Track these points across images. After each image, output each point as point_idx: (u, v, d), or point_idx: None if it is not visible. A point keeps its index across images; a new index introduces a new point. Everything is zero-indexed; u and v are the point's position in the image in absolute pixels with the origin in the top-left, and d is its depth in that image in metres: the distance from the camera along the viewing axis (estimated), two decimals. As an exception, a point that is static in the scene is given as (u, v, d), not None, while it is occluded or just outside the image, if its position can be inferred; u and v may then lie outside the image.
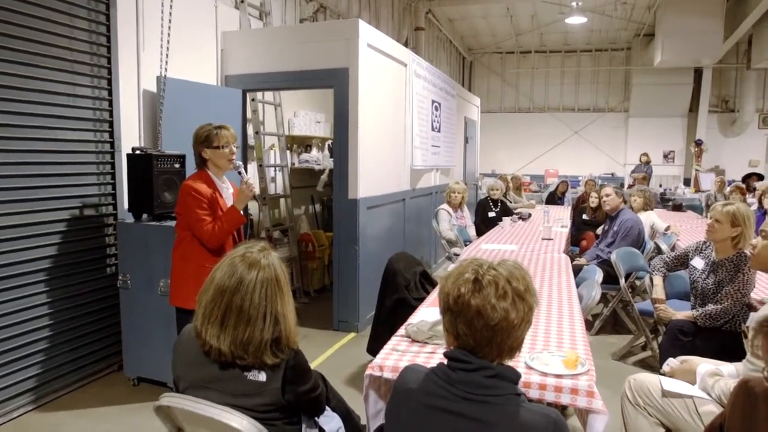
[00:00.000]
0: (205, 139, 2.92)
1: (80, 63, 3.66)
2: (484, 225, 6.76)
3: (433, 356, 2.23)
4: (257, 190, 3.22)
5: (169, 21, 3.92)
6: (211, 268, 1.72)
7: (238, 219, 2.96)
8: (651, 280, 3.84)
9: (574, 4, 11.01)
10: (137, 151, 3.64)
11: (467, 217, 6.60)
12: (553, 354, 2.19)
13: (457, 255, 5.60)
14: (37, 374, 3.46)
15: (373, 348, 3.95)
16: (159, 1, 3.94)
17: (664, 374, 2.53)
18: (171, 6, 3.93)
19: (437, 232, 6.33)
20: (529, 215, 7.05)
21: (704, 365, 2.40)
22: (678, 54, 12.06)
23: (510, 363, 1.48)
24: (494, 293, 1.40)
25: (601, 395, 1.96)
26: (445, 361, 1.48)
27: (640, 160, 12.74)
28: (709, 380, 2.29)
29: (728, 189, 8.53)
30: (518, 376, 1.46)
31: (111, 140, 3.91)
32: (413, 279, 3.83)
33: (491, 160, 15.58)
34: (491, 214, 7.02)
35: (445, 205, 6.38)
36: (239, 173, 3.10)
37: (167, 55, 3.93)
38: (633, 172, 12.44)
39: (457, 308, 1.42)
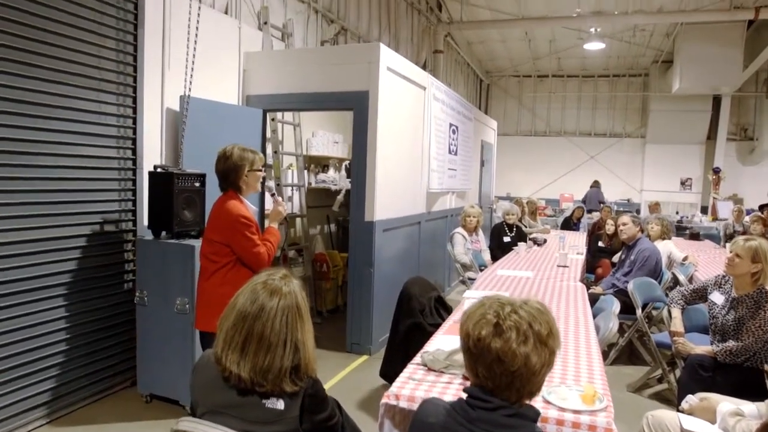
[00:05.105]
0: (251, 163, 2.98)
1: (107, 81, 3.73)
2: (499, 250, 6.73)
3: (449, 386, 2.21)
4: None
5: (195, 41, 3.99)
6: None
7: (279, 237, 3.10)
8: (669, 312, 3.79)
9: (592, 30, 11.07)
10: (159, 169, 3.69)
11: (482, 241, 6.58)
12: (571, 388, 2.16)
13: (471, 279, 5.57)
14: (52, 388, 3.48)
15: (386, 372, 3.93)
16: (185, 21, 4.03)
17: (682, 411, 2.49)
18: (197, 27, 4.00)
19: (452, 255, 6.30)
20: (545, 241, 7.01)
21: (725, 404, 2.36)
22: (697, 81, 12.04)
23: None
24: (515, 338, 1.38)
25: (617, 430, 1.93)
26: (464, 396, 1.47)
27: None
28: (730, 420, 2.25)
29: (748, 218, 8.40)
30: (538, 414, 1.45)
31: (133, 158, 3.97)
32: (428, 304, 3.82)
33: (506, 182, 15.58)
34: (506, 239, 7.00)
35: (460, 229, 6.37)
36: (272, 195, 3.24)
37: (191, 74, 4.00)
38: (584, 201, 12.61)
39: (477, 351, 1.42)
